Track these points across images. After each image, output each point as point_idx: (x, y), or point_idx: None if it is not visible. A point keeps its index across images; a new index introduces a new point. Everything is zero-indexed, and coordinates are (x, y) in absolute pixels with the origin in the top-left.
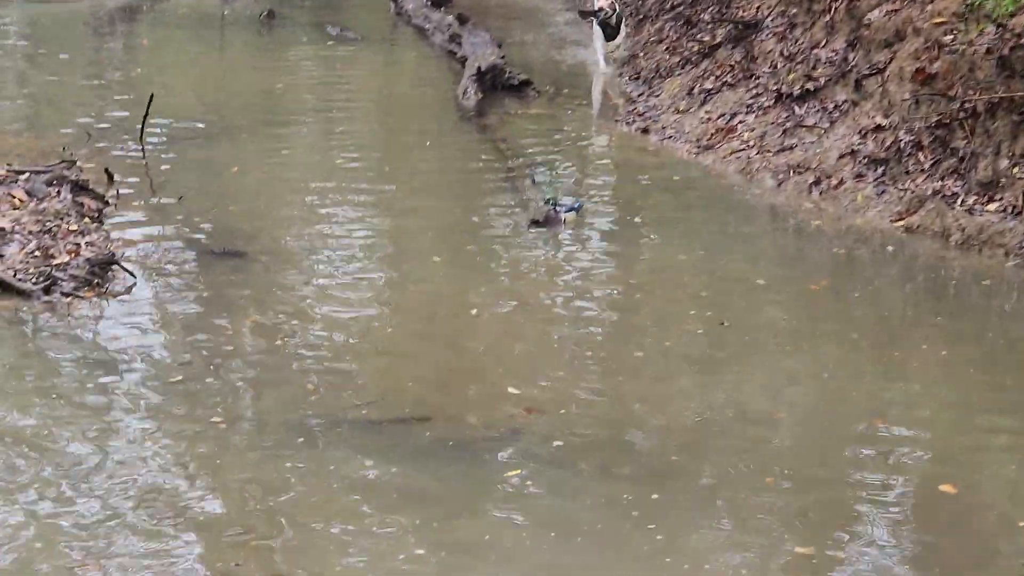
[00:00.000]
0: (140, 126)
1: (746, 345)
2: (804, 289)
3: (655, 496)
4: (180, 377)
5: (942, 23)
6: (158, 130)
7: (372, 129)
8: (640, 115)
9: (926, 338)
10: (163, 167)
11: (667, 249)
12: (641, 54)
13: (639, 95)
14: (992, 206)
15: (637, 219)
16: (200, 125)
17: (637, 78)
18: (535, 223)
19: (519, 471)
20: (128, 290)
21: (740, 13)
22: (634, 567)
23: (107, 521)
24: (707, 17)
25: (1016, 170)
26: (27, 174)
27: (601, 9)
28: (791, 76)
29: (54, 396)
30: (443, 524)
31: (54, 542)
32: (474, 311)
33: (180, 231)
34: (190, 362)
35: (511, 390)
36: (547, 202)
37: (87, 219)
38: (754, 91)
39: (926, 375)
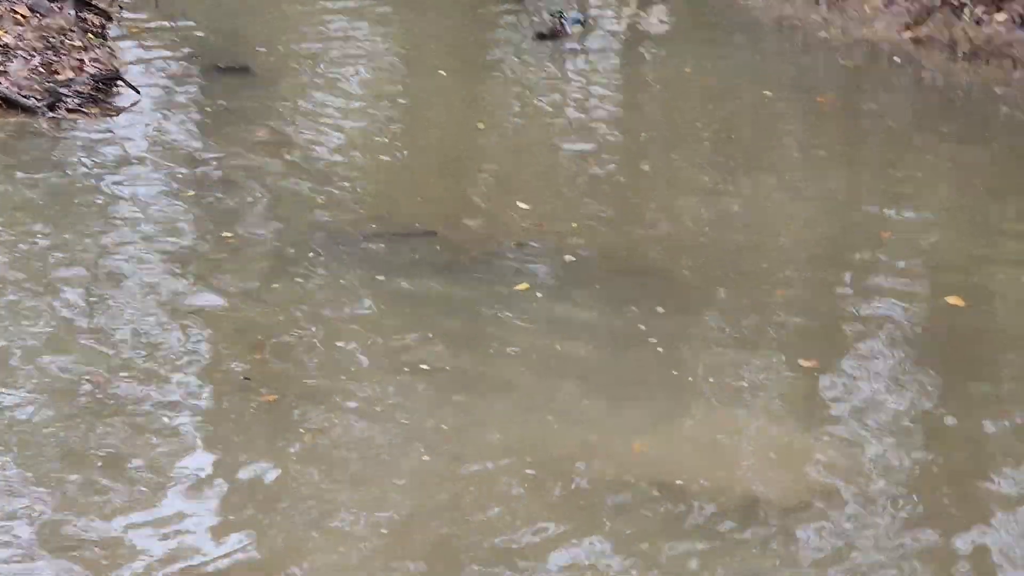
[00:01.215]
0: None
1: (754, 159)
2: (811, 102)
3: (660, 310)
4: (191, 192)
5: None
6: None
7: None
8: None
9: (933, 149)
10: None
11: (674, 63)
12: None
13: None
14: (1000, 16)
15: (644, 32)
16: None
17: None
18: (541, 36)
19: (527, 285)
20: (132, 106)
21: None
22: (636, 376)
23: (118, 328)
24: None
25: None
26: None
27: None
28: None
29: (62, 209)
30: (449, 324)
31: (67, 343)
32: (481, 125)
33: (184, 46)
34: (198, 177)
35: (520, 204)
36: (553, 14)
37: (91, 35)
38: None
39: (933, 187)
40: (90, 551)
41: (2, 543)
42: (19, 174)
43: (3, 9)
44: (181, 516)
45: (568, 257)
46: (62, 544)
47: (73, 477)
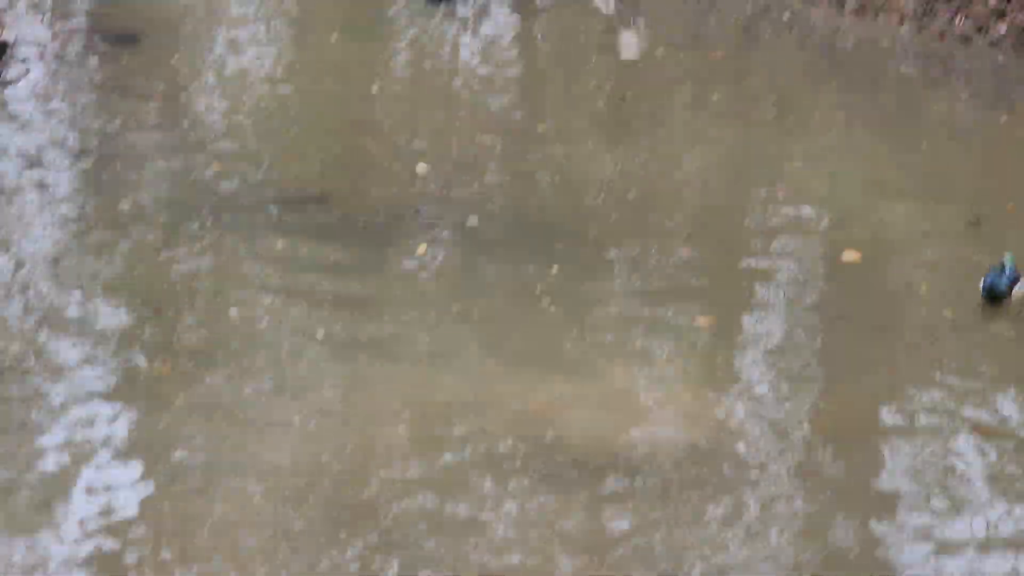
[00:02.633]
0: None
1: (648, 117)
2: (703, 59)
3: (553, 268)
4: (85, 165)
5: None
6: None
7: None
8: None
9: (823, 104)
10: None
11: (568, 22)
12: None
13: None
14: None
15: None
16: None
17: None
18: (433, 0)
19: (424, 247)
20: (22, 78)
21: None
22: (529, 333)
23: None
24: None
25: None
26: None
27: None
28: None
29: None
30: (346, 285)
31: None
32: (375, 88)
33: (74, 16)
34: (97, 143)
35: (419, 168)
36: None
37: None
38: None
39: (824, 141)
40: None
41: None
42: None
43: None
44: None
45: (470, 221)
46: None
47: None
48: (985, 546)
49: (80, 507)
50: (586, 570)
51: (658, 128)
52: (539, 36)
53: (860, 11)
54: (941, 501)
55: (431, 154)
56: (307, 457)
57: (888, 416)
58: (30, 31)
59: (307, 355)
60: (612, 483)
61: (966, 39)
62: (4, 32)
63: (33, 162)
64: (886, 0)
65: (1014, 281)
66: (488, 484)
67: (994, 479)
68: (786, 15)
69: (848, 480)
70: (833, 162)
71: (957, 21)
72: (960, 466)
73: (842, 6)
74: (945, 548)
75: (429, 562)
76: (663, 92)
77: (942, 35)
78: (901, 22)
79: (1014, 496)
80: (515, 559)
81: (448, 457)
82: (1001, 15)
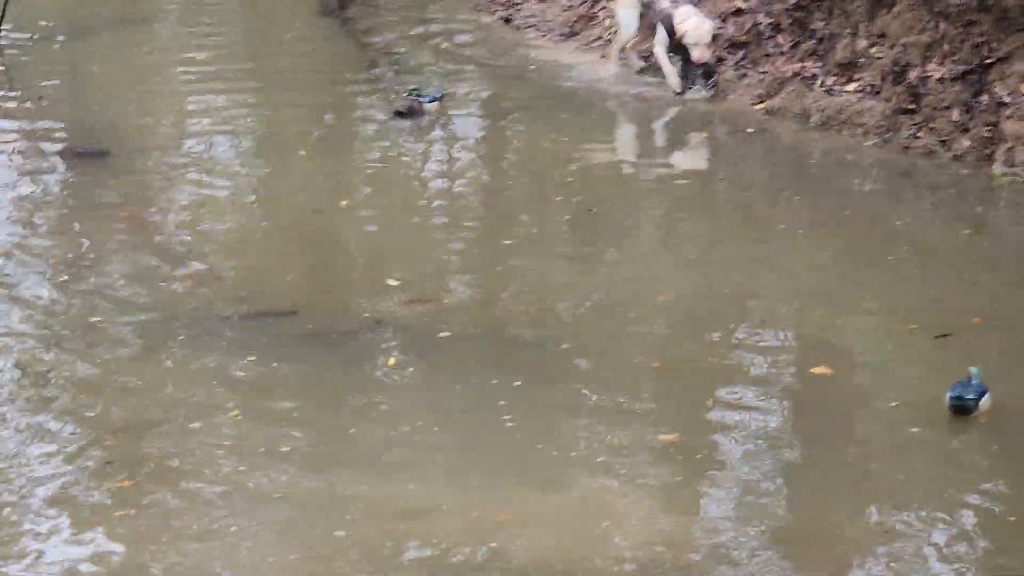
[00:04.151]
0: None
1: (614, 232)
2: (668, 172)
3: (516, 383)
4: (60, 279)
5: None
6: (16, 31)
7: (235, 26)
8: (502, 4)
9: (789, 219)
10: (23, 67)
11: (531, 137)
12: None
13: None
14: (851, 86)
15: (501, 107)
16: (61, 24)
17: None
18: (399, 114)
19: (396, 355)
20: None
21: None
22: (493, 448)
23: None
24: None
25: (874, 50)
26: None
27: None
28: None
29: None
30: (314, 397)
31: None
32: (343, 203)
33: (43, 131)
34: (64, 263)
35: (390, 281)
36: (410, 92)
37: None
38: None
39: (792, 256)
40: None
41: None
42: None
43: None
44: None
45: (442, 333)
46: None
47: None
48: None
49: None
50: None
51: (626, 241)
52: (505, 146)
53: (824, 125)
54: None
55: (401, 267)
56: (270, 560)
57: (852, 532)
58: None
59: (267, 470)
60: None
61: (929, 152)
62: None
63: (7, 275)
64: (850, 115)
65: (981, 394)
66: None
67: None
68: (751, 129)
69: None
70: (799, 278)
71: (920, 135)
72: None
73: (807, 120)
74: None
75: None
76: (629, 204)
77: (906, 148)
78: (865, 135)
79: None
80: None
81: (406, 558)
82: (964, 130)
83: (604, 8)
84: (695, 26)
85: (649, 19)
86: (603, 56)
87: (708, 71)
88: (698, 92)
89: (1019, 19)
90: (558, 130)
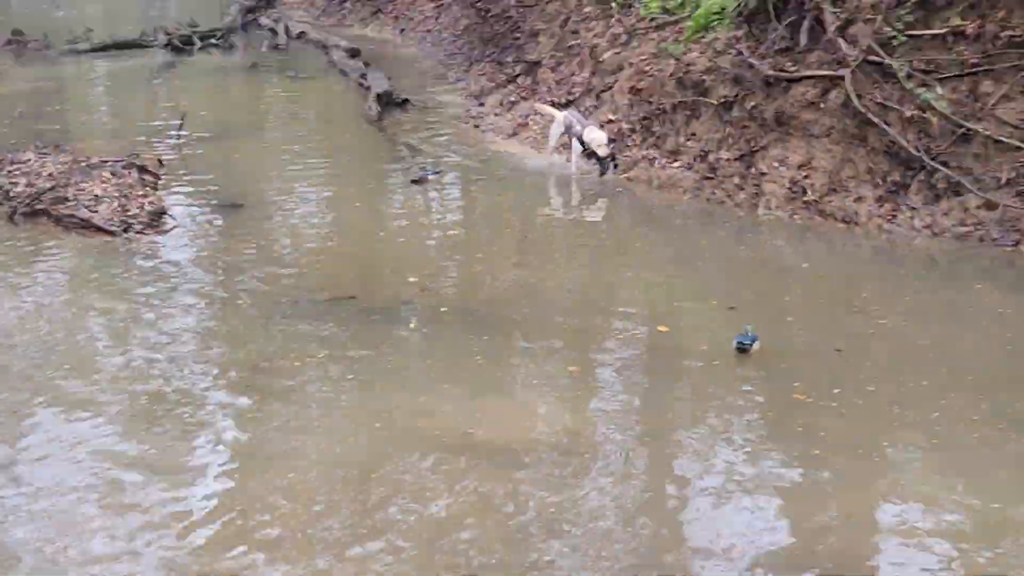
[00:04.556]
0: (177, 131)
1: (542, 250)
2: (574, 218)
3: (485, 337)
4: (222, 276)
5: (644, 59)
6: (188, 133)
7: (316, 129)
8: (474, 118)
9: (641, 242)
10: (194, 156)
11: (486, 199)
12: (472, 82)
13: (474, 106)
14: (676, 164)
15: (471, 177)
16: (213, 131)
17: (472, 96)
18: (414, 181)
19: (415, 325)
20: (172, 229)
21: (529, 56)
22: (470, 375)
23: (167, 359)
24: (510, 59)
25: (689, 143)
26: (110, 161)
27: None
28: (561, 93)
29: (133, 305)
30: (367, 354)
31: (147, 367)
32: (381, 233)
33: (202, 193)
34: (218, 273)
35: (411, 279)
36: (420, 168)
37: (147, 187)
38: (541, 102)
39: (643, 264)
40: None
41: None
42: (108, 272)
43: (96, 175)
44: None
45: (442, 309)
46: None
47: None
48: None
49: None
50: (501, 507)
51: (546, 254)
52: (475, 200)
53: (661, 187)
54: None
55: (416, 270)
56: (335, 452)
57: (680, 419)
58: (177, 201)
59: (341, 386)
60: (520, 461)
61: (721, 203)
62: (161, 201)
63: (179, 279)
64: (676, 181)
65: (753, 341)
66: (435, 458)
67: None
68: (619, 189)
69: (651, 471)
70: (648, 276)
71: (716, 193)
72: (718, 466)
73: (651, 185)
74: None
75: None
76: (551, 236)
77: (708, 200)
78: (684, 193)
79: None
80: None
81: (416, 440)
82: (741, 189)
83: (532, 120)
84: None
85: (568, 134)
86: (540, 151)
87: (606, 161)
88: (607, 173)
89: (772, 125)
90: (505, 191)
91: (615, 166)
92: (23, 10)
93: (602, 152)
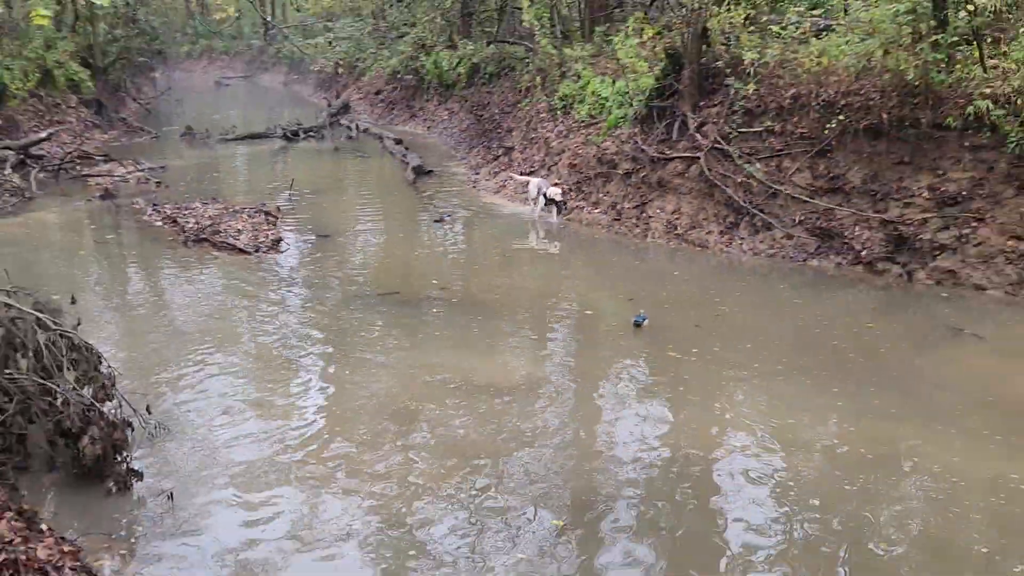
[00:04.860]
0: (289, 190)
1: (513, 264)
2: (533, 245)
3: (480, 318)
4: (317, 279)
5: (578, 144)
6: (295, 191)
7: (374, 189)
8: (473, 182)
9: (574, 260)
10: (298, 206)
11: (480, 232)
12: (471, 159)
13: (473, 174)
14: (597, 210)
15: (469, 220)
16: (310, 189)
17: (471, 168)
18: (436, 221)
19: (436, 310)
20: (287, 250)
21: (507, 143)
22: (470, 341)
23: (278, 326)
24: (495, 145)
25: (604, 197)
26: (247, 209)
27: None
28: (526, 167)
29: (261, 295)
30: (406, 327)
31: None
32: (416, 253)
33: (306, 227)
34: (313, 276)
35: (434, 281)
36: (440, 214)
37: (270, 224)
38: (513, 172)
39: (575, 274)
40: None
41: None
42: (245, 276)
43: (238, 216)
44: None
45: (453, 300)
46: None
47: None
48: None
49: None
50: (489, 423)
51: (518, 269)
52: (473, 234)
53: (589, 225)
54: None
55: (437, 276)
56: (387, 385)
57: (596, 370)
58: (288, 231)
59: (390, 347)
60: (500, 392)
61: (625, 235)
62: (280, 233)
63: (293, 283)
64: (597, 221)
65: (644, 320)
66: (449, 392)
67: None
68: (562, 226)
69: (580, 402)
70: (578, 281)
71: (622, 229)
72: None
73: (583, 224)
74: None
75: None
76: (521, 256)
77: (616, 233)
78: (603, 228)
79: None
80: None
81: (437, 381)
82: (637, 226)
83: (509, 181)
84: (555, 191)
85: (538, 192)
86: (512, 202)
87: (560, 208)
88: (560, 213)
89: (656, 186)
90: (491, 227)
91: (565, 207)
92: (192, 113)
93: (558, 199)
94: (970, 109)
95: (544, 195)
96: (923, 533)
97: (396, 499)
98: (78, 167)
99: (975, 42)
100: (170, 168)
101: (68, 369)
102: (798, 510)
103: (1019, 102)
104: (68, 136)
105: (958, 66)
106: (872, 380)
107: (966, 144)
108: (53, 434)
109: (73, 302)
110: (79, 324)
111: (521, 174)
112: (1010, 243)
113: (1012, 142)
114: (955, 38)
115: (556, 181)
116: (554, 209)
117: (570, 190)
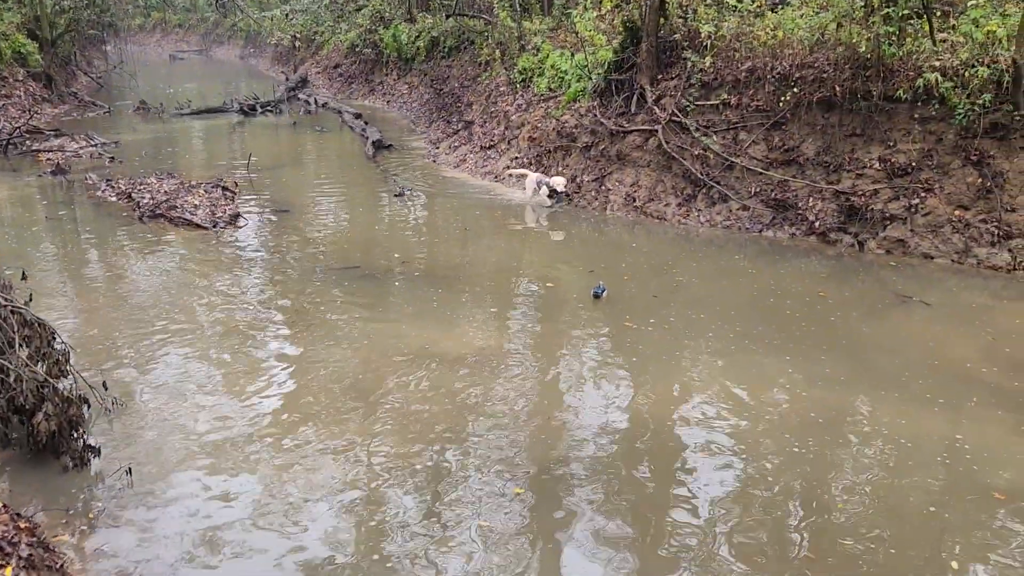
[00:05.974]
0: (247, 164)
1: (474, 237)
2: (493, 217)
3: (440, 290)
4: (276, 254)
5: (537, 118)
6: (253, 165)
7: (333, 163)
8: (433, 156)
9: (534, 233)
10: (255, 180)
11: (440, 206)
12: (431, 134)
13: (433, 149)
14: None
15: (432, 193)
16: (268, 165)
17: (431, 142)
18: (396, 195)
19: (397, 283)
20: (244, 226)
21: (467, 117)
22: (430, 312)
23: (248, 306)
24: (455, 119)
25: (564, 171)
26: (203, 184)
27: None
28: (486, 141)
29: (220, 271)
30: (367, 301)
31: (230, 312)
32: (376, 226)
33: (264, 202)
34: (273, 252)
35: (395, 255)
36: (400, 188)
37: (228, 199)
38: (473, 147)
39: (538, 246)
40: None
41: None
42: (203, 251)
43: (195, 191)
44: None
45: (415, 273)
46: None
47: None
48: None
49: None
50: (448, 392)
51: (478, 240)
52: (436, 206)
53: (575, 205)
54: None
55: (399, 249)
56: (348, 359)
57: (566, 336)
58: (247, 208)
59: (351, 321)
60: (461, 364)
61: (588, 208)
62: (237, 208)
63: (251, 260)
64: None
65: (604, 291)
66: (410, 364)
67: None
68: (562, 209)
69: (539, 371)
70: (543, 255)
71: (584, 202)
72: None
73: (573, 203)
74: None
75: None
76: (485, 229)
77: (579, 208)
78: (581, 208)
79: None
80: (423, 384)
81: (398, 354)
82: (596, 199)
83: (469, 156)
84: (559, 181)
85: (539, 184)
86: (472, 177)
87: (563, 195)
88: (562, 205)
89: (615, 159)
90: (451, 201)
91: (569, 197)
92: (145, 87)
93: (560, 189)
94: (920, 81)
95: (548, 186)
96: (874, 494)
97: (358, 471)
98: (27, 142)
99: (925, 15)
100: (124, 143)
101: (20, 346)
102: (753, 474)
103: (967, 74)
104: (16, 111)
105: (908, 39)
106: (823, 347)
107: (916, 116)
108: (6, 411)
109: (24, 278)
110: (31, 300)
111: (520, 165)
112: (957, 213)
113: (960, 114)
114: (906, 11)
115: (515, 155)
116: (558, 197)
117: (529, 164)
